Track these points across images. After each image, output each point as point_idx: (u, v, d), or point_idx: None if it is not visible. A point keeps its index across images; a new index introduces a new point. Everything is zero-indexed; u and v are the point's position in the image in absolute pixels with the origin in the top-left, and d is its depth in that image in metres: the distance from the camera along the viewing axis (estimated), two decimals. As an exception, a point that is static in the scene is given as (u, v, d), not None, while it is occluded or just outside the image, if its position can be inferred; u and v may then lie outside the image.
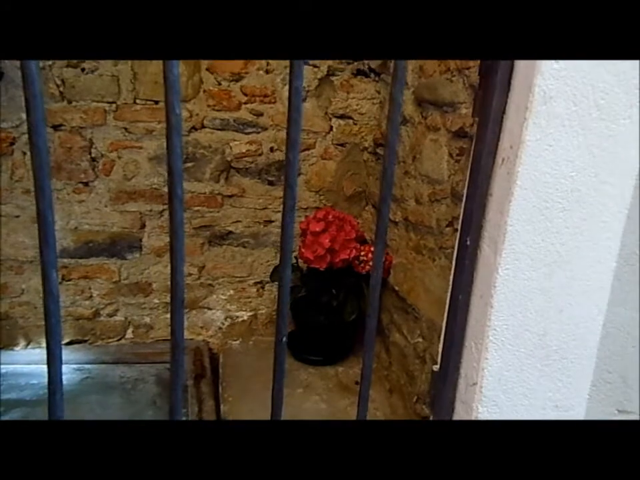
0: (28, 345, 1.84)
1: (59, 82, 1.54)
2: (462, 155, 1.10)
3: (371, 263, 1.56)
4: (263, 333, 2.01)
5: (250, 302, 1.97)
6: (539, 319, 0.74)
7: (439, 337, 0.85)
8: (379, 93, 1.76)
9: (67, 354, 1.90)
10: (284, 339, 0.73)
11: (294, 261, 1.82)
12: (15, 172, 1.61)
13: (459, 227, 0.77)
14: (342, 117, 1.79)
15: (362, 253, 1.58)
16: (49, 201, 0.60)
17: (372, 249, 1.58)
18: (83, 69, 1.53)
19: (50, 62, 1.51)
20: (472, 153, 0.72)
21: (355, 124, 1.80)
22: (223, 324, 1.98)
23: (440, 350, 0.82)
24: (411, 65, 1.37)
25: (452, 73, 1.12)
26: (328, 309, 1.66)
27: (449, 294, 0.80)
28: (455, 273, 0.78)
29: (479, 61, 0.75)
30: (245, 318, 1.98)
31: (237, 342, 1.97)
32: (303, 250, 1.57)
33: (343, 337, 1.78)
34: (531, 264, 0.71)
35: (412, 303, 1.39)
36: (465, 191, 0.75)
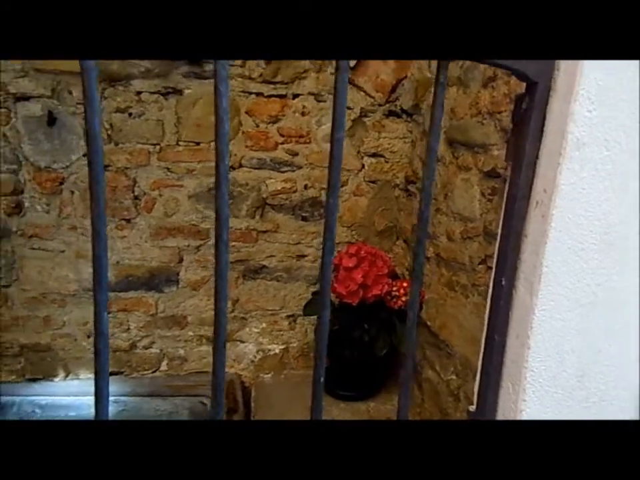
0: (67, 376, 1.89)
1: (107, 126, 1.64)
2: (494, 195, 1.11)
3: (403, 299, 1.57)
4: (295, 366, 2.01)
5: (282, 335, 1.99)
6: (576, 360, 0.73)
7: (474, 375, 0.84)
8: (410, 132, 1.80)
9: (104, 385, 1.94)
10: (322, 379, 0.74)
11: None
12: (63, 210, 1.70)
13: (494, 267, 0.78)
14: (374, 155, 1.83)
15: (394, 289, 1.58)
16: (105, 246, 0.64)
17: (404, 284, 1.58)
18: (130, 114, 1.63)
19: (100, 107, 1.61)
20: (506, 195, 0.74)
21: (387, 162, 1.83)
22: (255, 357, 2.00)
23: (476, 390, 0.82)
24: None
25: (483, 117, 1.15)
26: (359, 344, 1.66)
27: (484, 333, 0.80)
28: (490, 313, 0.78)
29: (510, 107, 0.77)
30: (277, 351, 1.99)
31: (269, 375, 1.97)
32: (335, 285, 1.59)
33: (374, 373, 1.76)
34: (567, 305, 0.71)
35: (445, 339, 1.38)
36: (499, 232, 0.76)
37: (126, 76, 1.59)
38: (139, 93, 1.62)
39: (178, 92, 1.65)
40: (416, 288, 0.77)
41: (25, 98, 1.57)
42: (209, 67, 1.62)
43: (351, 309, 1.63)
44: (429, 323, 1.53)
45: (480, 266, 1.18)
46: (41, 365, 1.85)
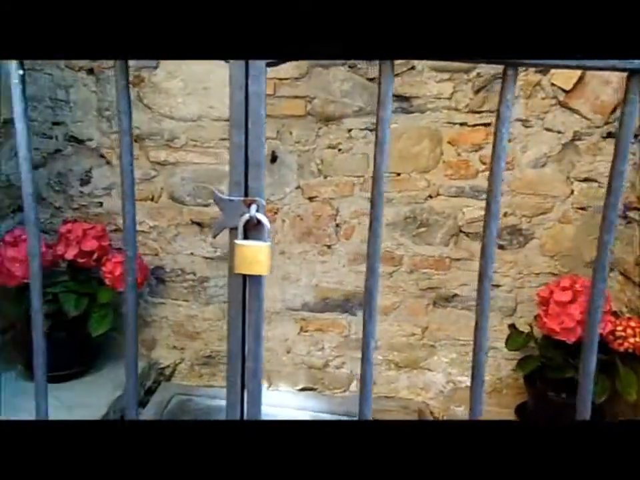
0: (269, 387, 2.06)
1: (318, 161, 1.79)
2: None
3: (631, 340, 1.39)
4: (487, 401, 1.91)
5: (472, 367, 1.91)
6: None
7: None
8: (633, 154, 1.62)
9: (301, 400, 2.07)
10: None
11: (529, 328, 1.72)
12: (275, 237, 1.89)
13: None
14: (585, 180, 1.69)
15: (619, 328, 1.41)
16: (376, 282, 0.69)
17: (631, 323, 1.40)
18: (339, 149, 1.76)
19: (314, 145, 1.78)
20: None
21: (600, 187, 1.67)
22: (445, 387, 1.95)
23: None
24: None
25: None
26: (571, 387, 1.51)
27: None
28: None
29: None
30: (468, 384, 1.91)
31: (461, 408, 1.90)
32: (545, 320, 1.48)
33: (588, 420, 1.58)
34: None
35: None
36: None
37: (340, 115, 1.72)
38: (349, 130, 1.74)
39: (384, 127, 1.72)
40: None
41: (254, 140, 1.80)
42: (416, 102, 1.67)
43: (560, 346, 1.50)
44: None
45: None
46: (249, 374, 2.04)
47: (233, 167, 0.77)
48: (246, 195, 0.77)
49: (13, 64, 0.72)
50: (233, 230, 0.80)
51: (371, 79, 1.68)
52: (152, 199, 1.92)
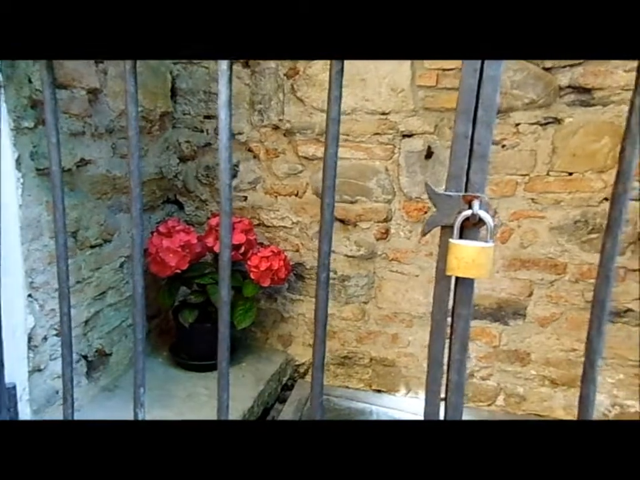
0: (407, 393, 2.08)
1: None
2: None
3: None
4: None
5: (643, 391, 1.79)
6: None
7: None
8: None
9: (442, 410, 2.05)
10: None
11: None
12: (423, 237, 1.90)
13: None
14: None
15: None
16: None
17: None
18: (503, 146, 1.73)
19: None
20: None
21: None
22: (609, 411, 1.84)
23: None
24: None
25: None
26: None
27: None
28: None
29: None
30: (638, 408, 1.79)
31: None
32: None
33: None
34: None
35: None
36: None
37: (508, 108, 1.69)
38: (517, 124, 1.70)
39: (557, 121, 1.67)
40: None
41: (410, 135, 1.83)
42: (598, 94, 1.59)
43: None
44: None
45: None
46: (386, 378, 2.08)
47: (454, 159, 0.77)
48: (465, 190, 0.78)
49: (223, 63, 0.81)
50: (445, 228, 0.81)
51: (547, 69, 1.63)
52: (296, 194, 2.03)
